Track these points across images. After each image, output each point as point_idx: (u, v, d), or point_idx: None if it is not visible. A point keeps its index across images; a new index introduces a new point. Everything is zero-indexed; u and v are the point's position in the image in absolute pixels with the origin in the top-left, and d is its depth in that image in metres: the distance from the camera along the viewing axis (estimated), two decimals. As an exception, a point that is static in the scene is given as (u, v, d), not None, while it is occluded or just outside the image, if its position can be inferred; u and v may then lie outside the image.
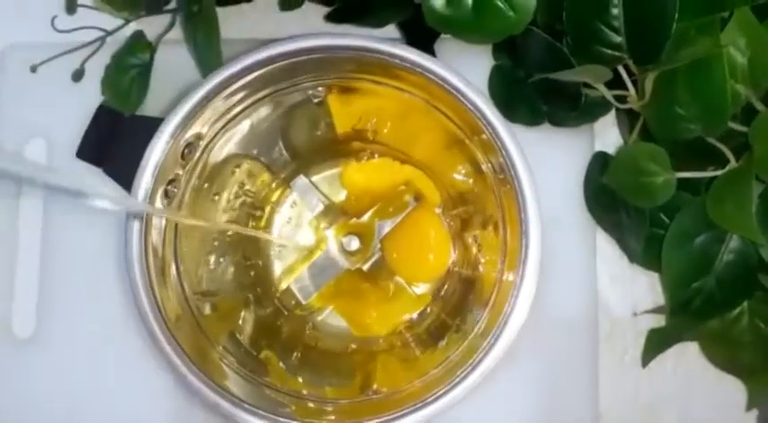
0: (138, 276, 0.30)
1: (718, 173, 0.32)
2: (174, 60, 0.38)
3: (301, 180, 0.38)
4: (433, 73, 0.30)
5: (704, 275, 0.33)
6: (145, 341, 0.36)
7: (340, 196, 0.39)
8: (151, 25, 0.39)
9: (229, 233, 0.36)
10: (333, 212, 0.38)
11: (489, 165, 0.33)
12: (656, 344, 0.38)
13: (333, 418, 0.30)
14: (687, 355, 0.39)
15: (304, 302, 0.37)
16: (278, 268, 0.38)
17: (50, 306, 0.39)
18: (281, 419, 0.29)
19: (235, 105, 0.33)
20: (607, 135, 0.40)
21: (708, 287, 0.33)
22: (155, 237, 0.31)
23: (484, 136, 0.31)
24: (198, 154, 0.33)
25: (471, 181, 0.36)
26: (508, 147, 0.30)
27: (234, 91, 0.31)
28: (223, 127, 0.33)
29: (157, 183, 0.30)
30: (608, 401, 0.39)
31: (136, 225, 0.30)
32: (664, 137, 0.33)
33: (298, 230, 0.39)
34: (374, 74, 0.32)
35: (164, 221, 0.31)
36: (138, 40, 0.39)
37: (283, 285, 0.38)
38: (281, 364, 0.35)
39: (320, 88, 0.34)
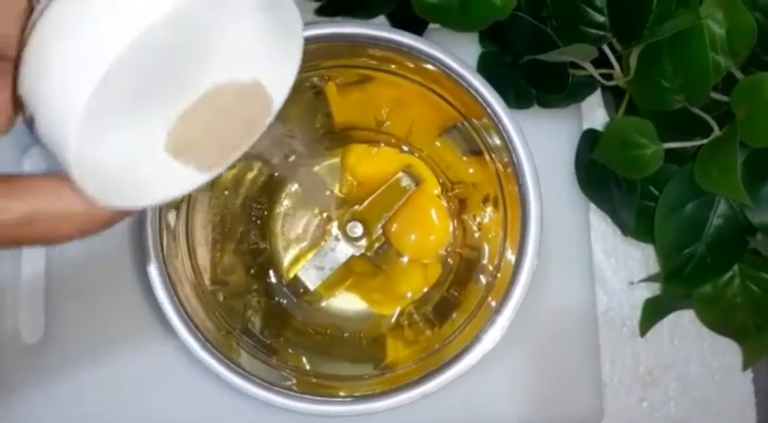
0: (154, 265, 0.30)
1: (704, 142, 0.33)
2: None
3: (302, 170, 0.39)
4: (433, 58, 0.31)
5: (695, 241, 0.35)
6: (155, 340, 0.37)
7: (340, 185, 0.40)
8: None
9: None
10: (335, 201, 0.39)
11: (488, 146, 0.34)
12: (653, 313, 0.40)
13: (333, 392, 0.32)
14: (682, 323, 0.41)
15: (312, 290, 0.38)
16: (285, 258, 0.39)
17: (58, 310, 0.39)
18: (284, 391, 0.31)
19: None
20: (594, 115, 0.41)
21: (699, 252, 0.35)
22: (170, 221, 0.32)
23: (484, 119, 0.32)
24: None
25: (469, 164, 0.37)
26: (508, 127, 0.31)
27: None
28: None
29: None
30: (610, 371, 0.40)
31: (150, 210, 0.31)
32: (649, 110, 0.34)
33: (301, 220, 0.40)
34: (371, 61, 0.33)
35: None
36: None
37: (291, 274, 0.39)
38: (291, 350, 0.36)
39: (316, 79, 0.35)
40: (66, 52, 0.16)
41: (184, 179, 0.20)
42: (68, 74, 0.16)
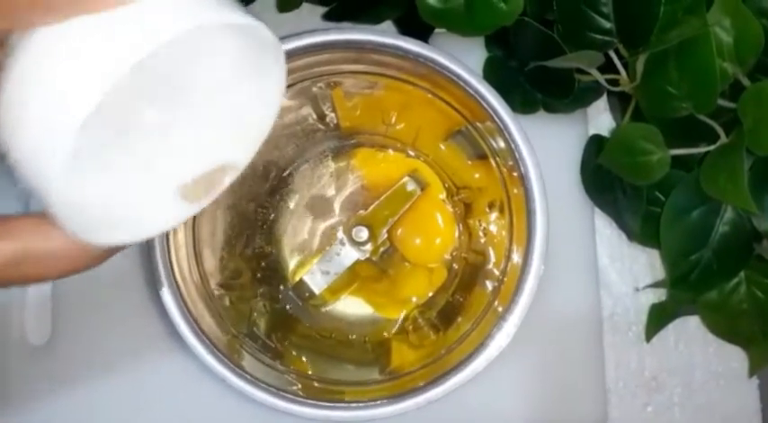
0: (162, 269, 0.31)
1: (710, 148, 0.33)
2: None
3: (307, 175, 0.39)
4: (438, 64, 0.31)
5: (701, 248, 0.35)
6: (161, 344, 0.37)
7: (346, 190, 0.40)
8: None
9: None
10: (340, 206, 0.39)
11: (493, 151, 0.34)
12: (658, 318, 0.40)
13: (339, 397, 0.32)
14: (688, 329, 0.41)
15: (317, 294, 0.38)
16: (291, 262, 0.39)
17: (65, 312, 0.39)
18: (290, 396, 0.31)
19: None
20: (600, 120, 0.41)
21: (705, 259, 0.35)
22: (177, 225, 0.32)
23: (489, 123, 0.32)
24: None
25: (475, 168, 0.37)
26: (513, 132, 0.31)
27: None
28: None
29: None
30: (615, 376, 0.40)
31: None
32: (656, 116, 0.34)
33: (306, 224, 0.40)
34: (377, 67, 0.33)
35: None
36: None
37: (296, 278, 0.39)
38: (296, 353, 0.36)
39: (323, 85, 0.35)
40: (47, 94, 0.15)
41: (175, 214, 0.20)
42: (49, 117, 0.15)
